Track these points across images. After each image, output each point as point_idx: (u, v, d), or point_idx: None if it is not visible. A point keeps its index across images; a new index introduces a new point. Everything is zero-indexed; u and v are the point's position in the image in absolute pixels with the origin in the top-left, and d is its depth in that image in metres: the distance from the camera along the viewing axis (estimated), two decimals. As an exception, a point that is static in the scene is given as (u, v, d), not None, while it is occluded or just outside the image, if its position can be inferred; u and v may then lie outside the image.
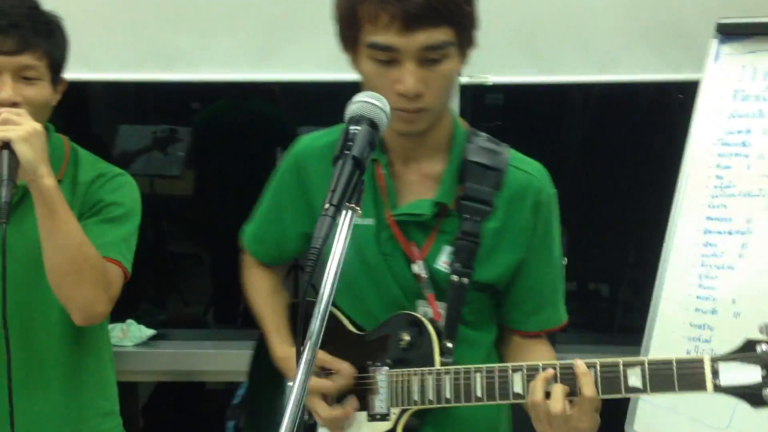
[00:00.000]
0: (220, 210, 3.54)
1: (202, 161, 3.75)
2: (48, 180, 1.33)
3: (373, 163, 1.35)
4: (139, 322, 2.48)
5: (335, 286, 0.96)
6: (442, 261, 1.34)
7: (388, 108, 1.10)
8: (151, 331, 2.45)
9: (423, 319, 1.33)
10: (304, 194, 1.43)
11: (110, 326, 2.44)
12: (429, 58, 1.20)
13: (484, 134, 1.40)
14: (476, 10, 1.27)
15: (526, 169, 1.36)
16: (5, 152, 1.27)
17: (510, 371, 1.22)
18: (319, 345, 0.94)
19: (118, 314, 2.54)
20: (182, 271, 4.13)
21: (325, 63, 2.18)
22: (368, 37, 1.21)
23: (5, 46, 1.36)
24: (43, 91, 1.43)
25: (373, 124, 1.07)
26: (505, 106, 3.47)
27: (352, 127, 1.06)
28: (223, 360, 2.44)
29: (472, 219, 1.32)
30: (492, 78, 2.20)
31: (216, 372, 2.51)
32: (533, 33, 2.19)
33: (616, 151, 3.29)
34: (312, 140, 1.46)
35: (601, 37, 2.18)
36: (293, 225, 1.46)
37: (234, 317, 3.59)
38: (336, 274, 0.96)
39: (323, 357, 1.35)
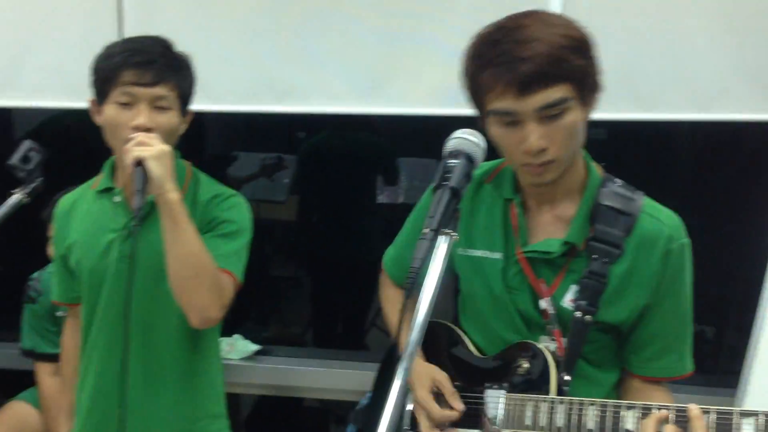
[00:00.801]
0: (321, 236, 3.70)
1: (306, 188, 3.92)
2: (173, 194, 1.49)
3: (507, 202, 1.43)
4: (245, 338, 2.63)
5: (432, 304, 1.04)
6: (569, 299, 1.39)
7: (484, 144, 1.19)
8: (256, 347, 2.58)
9: (544, 349, 1.38)
10: None
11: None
12: (549, 115, 1.25)
13: (619, 180, 1.43)
14: (594, 60, 1.30)
15: (658, 217, 1.38)
16: (139, 168, 1.46)
17: (624, 408, 1.24)
18: (417, 355, 1.01)
19: (225, 329, 2.71)
20: (283, 294, 4.29)
21: (426, 98, 2.30)
22: (490, 105, 1.28)
23: (143, 79, 1.54)
24: (172, 119, 1.60)
25: (469, 159, 1.17)
26: (607, 142, 3.47)
27: (450, 161, 1.16)
28: (321, 378, 2.55)
29: (601, 260, 1.35)
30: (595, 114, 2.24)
31: (314, 389, 2.61)
32: (635, 71, 2.22)
33: (720, 190, 3.22)
34: None
35: (705, 76, 2.18)
36: None
37: (331, 338, 3.71)
38: (433, 293, 1.05)
39: (446, 384, 1.44)
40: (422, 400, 1.44)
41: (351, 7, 2.33)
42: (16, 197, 1.37)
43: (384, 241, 3.69)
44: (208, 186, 1.75)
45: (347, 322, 3.82)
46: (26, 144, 1.44)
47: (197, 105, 1.87)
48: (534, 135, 1.25)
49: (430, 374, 1.47)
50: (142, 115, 1.53)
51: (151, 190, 1.49)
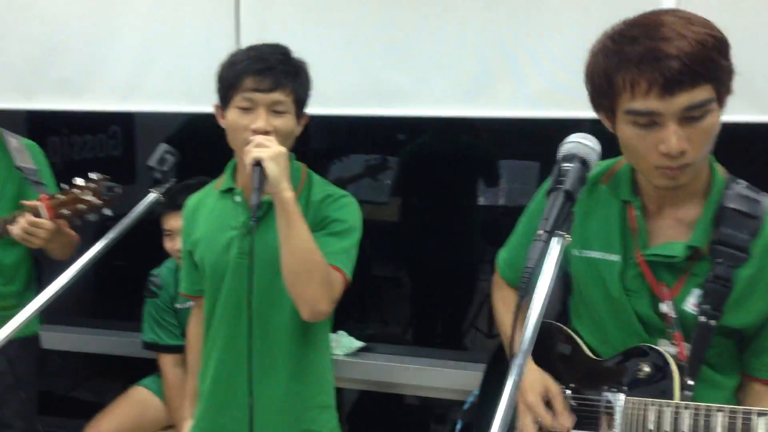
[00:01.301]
0: (421, 237, 3.74)
1: (407, 190, 3.97)
2: (288, 193, 1.58)
3: (624, 204, 1.42)
4: (349, 335, 2.71)
5: (545, 305, 1.06)
6: (691, 303, 1.36)
7: (599, 148, 1.19)
8: (360, 343, 2.65)
9: (665, 353, 1.36)
10: None
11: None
12: (691, 116, 1.22)
13: (743, 182, 1.40)
14: (731, 61, 1.26)
15: None
16: (257, 168, 1.55)
17: (755, 415, 1.22)
18: (530, 357, 1.03)
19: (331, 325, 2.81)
20: (384, 293, 4.36)
21: (530, 101, 2.30)
22: (627, 104, 1.24)
23: (262, 85, 1.64)
24: (289, 123, 1.69)
25: (584, 162, 1.17)
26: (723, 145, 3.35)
27: (565, 164, 1.17)
28: (421, 376, 2.59)
29: (725, 264, 1.32)
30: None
31: (414, 387, 2.66)
32: (753, 71, 2.14)
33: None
34: None
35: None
36: None
37: (432, 337, 3.75)
38: (546, 294, 1.06)
39: (558, 398, 1.45)
40: (533, 404, 1.45)
41: (457, 10, 2.36)
42: (153, 196, 1.49)
43: (484, 243, 3.71)
44: (321, 186, 1.83)
45: (447, 322, 3.85)
46: (162, 147, 1.56)
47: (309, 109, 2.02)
48: (675, 137, 1.22)
49: (543, 381, 1.48)
50: (261, 119, 1.63)
51: (267, 190, 1.57)
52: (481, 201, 3.82)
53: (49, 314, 2.46)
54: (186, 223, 1.84)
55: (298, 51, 2.36)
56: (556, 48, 2.28)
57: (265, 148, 1.56)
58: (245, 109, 1.64)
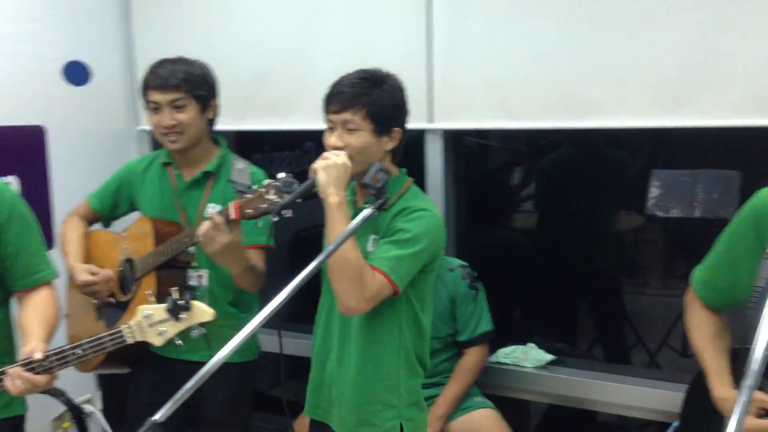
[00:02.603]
0: (598, 251, 3.62)
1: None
2: (333, 198, 1.76)
3: None
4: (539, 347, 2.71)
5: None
6: None
7: None
8: (550, 356, 2.65)
9: None
10: (761, 245, 1.48)
11: (512, 348, 2.73)
12: None
13: None
14: None
15: None
16: (312, 176, 1.78)
17: None
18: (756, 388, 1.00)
19: (519, 338, 2.82)
20: (574, 306, 4.27)
21: (733, 109, 2.21)
22: None
23: (333, 107, 1.87)
24: (361, 139, 1.86)
25: None
26: None
27: None
28: (612, 393, 2.55)
29: None
30: None
31: (604, 403, 2.61)
32: None
33: None
34: None
35: None
36: (748, 274, 1.50)
37: (622, 355, 3.63)
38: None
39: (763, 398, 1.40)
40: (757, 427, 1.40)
41: (655, 16, 2.31)
42: (368, 211, 1.61)
43: (673, 258, 3.50)
44: (408, 200, 1.94)
45: (636, 339, 3.71)
46: (376, 165, 1.71)
47: (494, 122, 2.32)
48: None
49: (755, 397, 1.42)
50: (334, 137, 1.88)
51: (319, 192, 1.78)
52: (674, 213, 3.65)
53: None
54: None
55: (489, 65, 2.43)
56: (762, 52, 2.17)
57: (324, 161, 1.78)
58: (330, 129, 1.90)
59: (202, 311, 1.81)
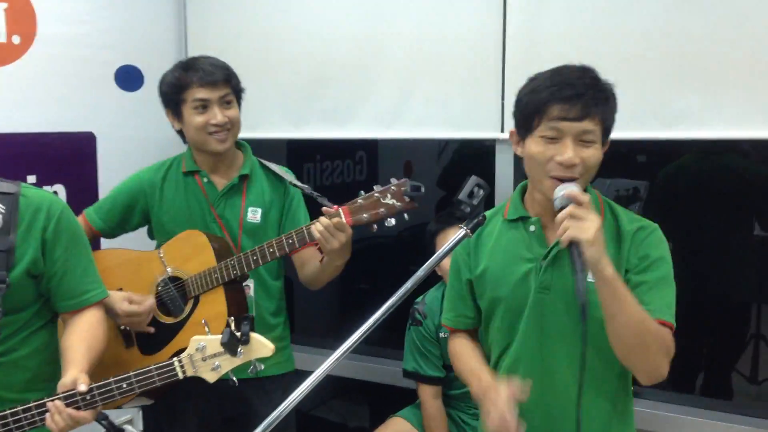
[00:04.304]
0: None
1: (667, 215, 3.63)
2: (609, 270, 1.44)
3: None
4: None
5: None
6: None
7: None
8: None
9: None
10: None
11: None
12: None
13: None
14: None
15: None
16: (574, 249, 1.42)
17: None
18: None
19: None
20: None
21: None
22: None
23: (571, 114, 1.51)
24: (596, 153, 1.55)
25: None
26: None
27: None
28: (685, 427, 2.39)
29: None
30: None
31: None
32: None
33: None
34: None
35: None
36: None
37: (695, 383, 3.39)
38: None
39: None
40: None
41: (756, 17, 2.10)
42: (462, 232, 1.42)
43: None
44: (626, 215, 1.68)
45: (714, 367, 3.45)
46: (473, 180, 1.49)
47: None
48: None
49: None
50: (569, 151, 1.51)
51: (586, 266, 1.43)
52: None
53: (297, 336, 2.54)
54: (467, 253, 1.76)
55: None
56: None
57: (580, 223, 1.42)
58: (551, 139, 1.53)
59: (262, 345, 1.63)
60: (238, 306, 2.06)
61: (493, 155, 2.57)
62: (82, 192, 2.70)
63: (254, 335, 1.62)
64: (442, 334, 2.40)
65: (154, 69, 2.97)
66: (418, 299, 2.50)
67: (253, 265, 2.02)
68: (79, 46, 2.69)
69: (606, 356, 1.57)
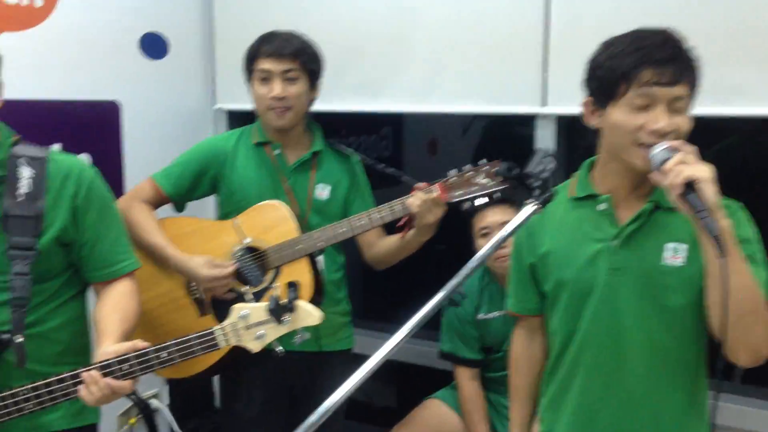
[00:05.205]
0: None
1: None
2: (725, 220, 1.31)
3: None
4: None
5: None
6: None
7: None
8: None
9: None
10: None
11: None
12: None
13: None
14: None
15: None
16: (690, 191, 1.29)
17: None
18: None
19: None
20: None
21: None
22: None
23: (664, 78, 1.39)
24: (687, 121, 1.44)
25: None
26: None
27: None
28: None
29: None
30: None
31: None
32: None
33: None
34: None
35: None
36: None
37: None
38: None
39: None
40: None
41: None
42: (531, 207, 1.33)
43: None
44: None
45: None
46: (541, 152, 1.38)
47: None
48: None
49: None
50: (664, 118, 1.39)
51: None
52: None
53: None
54: (526, 235, 1.67)
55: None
56: None
57: (695, 165, 1.30)
58: (640, 106, 1.41)
59: (308, 314, 1.55)
60: (316, 278, 2.03)
61: (529, 131, 2.47)
62: (107, 162, 2.62)
63: (301, 302, 1.54)
64: (480, 316, 2.33)
65: (179, 37, 2.91)
66: (456, 279, 2.41)
67: (339, 238, 2.01)
68: (103, 11, 2.59)
69: (684, 345, 1.48)
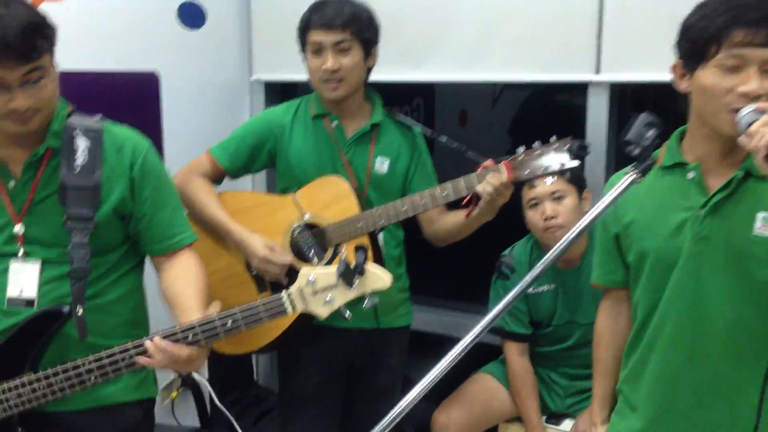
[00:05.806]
0: None
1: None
2: None
3: None
4: None
5: None
6: None
7: None
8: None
9: None
10: None
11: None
12: None
13: None
14: None
15: None
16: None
17: None
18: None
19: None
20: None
21: None
22: None
23: (757, 38, 1.32)
24: None
25: None
26: None
27: None
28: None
29: None
30: None
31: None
32: None
33: None
34: None
35: None
36: None
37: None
38: None
39: None
40: None
41: None
42: (631, 177, 1.27)
43: None
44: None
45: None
46: (642, 117, 1.31)
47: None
48: None
49: None
50: (754, 80, 1.32)
51: None
52: None
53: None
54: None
55: (674, 7, 2.05)
56: None
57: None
58: (730, 68, 1.34)
59: (378, 277, 1.50)
60: (377, 256, 2.00)
61: (578, 99, 2.42)
62: (146, 133, 2.56)
63: (370, 266, 1.50)
64: (529, 290, 2.28)
65: (216, 6, 2.84)
66: (505, 252, 2.36)
67: (401, 217, 1.95)
68: (142, -21, 2.54)
69: None
